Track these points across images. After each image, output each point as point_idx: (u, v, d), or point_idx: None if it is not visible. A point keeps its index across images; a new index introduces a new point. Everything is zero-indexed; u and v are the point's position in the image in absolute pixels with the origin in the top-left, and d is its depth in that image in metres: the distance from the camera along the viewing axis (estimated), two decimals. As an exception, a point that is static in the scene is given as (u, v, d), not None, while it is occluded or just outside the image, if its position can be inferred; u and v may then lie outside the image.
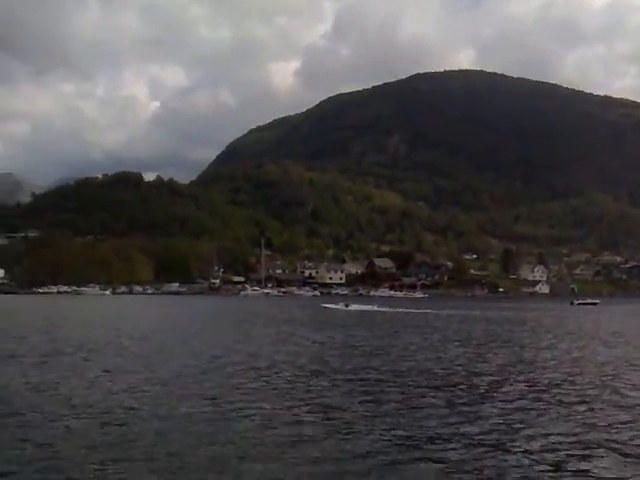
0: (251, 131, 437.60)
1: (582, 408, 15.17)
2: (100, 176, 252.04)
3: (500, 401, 15.98)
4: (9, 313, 56.84)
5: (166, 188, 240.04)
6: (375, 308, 72.82)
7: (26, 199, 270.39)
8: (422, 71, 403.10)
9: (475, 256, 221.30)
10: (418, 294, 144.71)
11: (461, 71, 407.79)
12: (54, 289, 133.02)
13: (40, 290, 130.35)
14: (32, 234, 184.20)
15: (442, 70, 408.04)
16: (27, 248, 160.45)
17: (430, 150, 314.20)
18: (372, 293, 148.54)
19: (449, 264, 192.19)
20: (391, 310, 71.04)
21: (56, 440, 11.59)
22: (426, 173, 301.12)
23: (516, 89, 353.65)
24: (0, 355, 23.85)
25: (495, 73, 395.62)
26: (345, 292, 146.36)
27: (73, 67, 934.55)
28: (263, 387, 17.30)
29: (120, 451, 10.91)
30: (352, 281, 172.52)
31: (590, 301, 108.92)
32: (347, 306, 73.69)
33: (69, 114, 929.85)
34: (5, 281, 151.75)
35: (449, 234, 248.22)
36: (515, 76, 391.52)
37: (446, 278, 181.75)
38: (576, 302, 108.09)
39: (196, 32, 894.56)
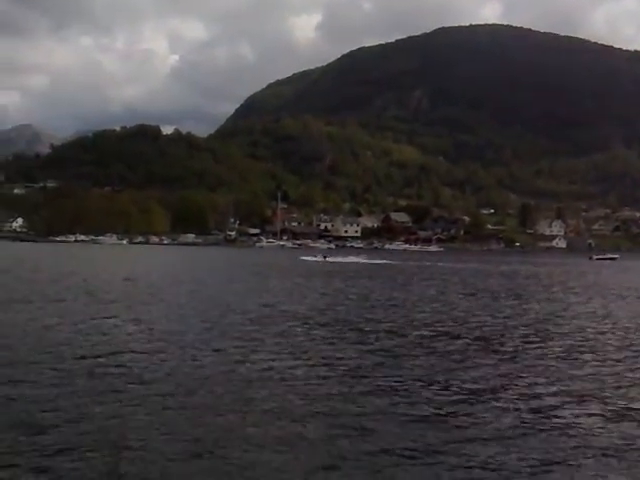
0: (270, 85, 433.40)
1: (578, 360, 15.38)
2: (118, 129, 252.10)
3: (497, 351, 16.23)
4: (27, 260, 57.69)
5: (184, 141, 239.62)
6: (356, 260, 72.85)
7: (44, 150, 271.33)
8: (447, 25, 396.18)
9: (493, 211, 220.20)
10: (433, 248, 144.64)
11: (487, 25, 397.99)
12: (72, 238, 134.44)
13: (58, 239, 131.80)
14: (51, 184, 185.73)
15: (467, 24, 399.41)
16: (45, 198, 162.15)
17: (452, 105, 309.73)
18: (387, 246, 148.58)
19: (466, 218, 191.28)
20: (369, 262, 70.88)
21: (65, 380, 11.86)
22: (447, 128, 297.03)
23: (543, 44, 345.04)
24: (17, 300, 24.40)
25: (522, 28, 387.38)
26: (360, 245, 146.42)
27: (92, 21, 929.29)
28: (272, 336, 17.50)
29: (133, 391, 11.20)
30: (367, 234, 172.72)
31: (609, 256, 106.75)
32: (325, 257, 74.21)
33: (88, 67, 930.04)
34: (24, 229, 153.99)
35: (467, 189, 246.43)
36: (542, 31, 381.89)
37: (462, 232, 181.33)
38: (595, 257, 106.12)
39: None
